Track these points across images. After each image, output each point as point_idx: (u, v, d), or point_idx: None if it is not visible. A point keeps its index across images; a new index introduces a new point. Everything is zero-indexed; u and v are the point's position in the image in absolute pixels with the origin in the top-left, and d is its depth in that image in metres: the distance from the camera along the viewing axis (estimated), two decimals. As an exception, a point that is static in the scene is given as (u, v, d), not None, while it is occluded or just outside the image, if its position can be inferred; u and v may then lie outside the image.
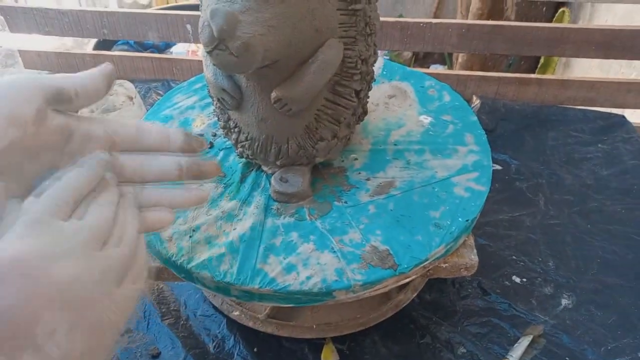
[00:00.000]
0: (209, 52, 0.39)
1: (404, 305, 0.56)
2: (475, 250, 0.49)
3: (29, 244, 0.25)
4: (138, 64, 0.93)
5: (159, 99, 0.67)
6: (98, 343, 0.27)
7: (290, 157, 0.49)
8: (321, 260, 0.44)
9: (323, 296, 0.43)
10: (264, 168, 0.52)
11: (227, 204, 0.50)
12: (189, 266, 0.44)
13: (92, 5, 1.62)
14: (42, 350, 0.24)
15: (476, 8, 1.44)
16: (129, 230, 0.31)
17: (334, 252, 0.45)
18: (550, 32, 0.82)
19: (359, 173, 0.53)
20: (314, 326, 0.53)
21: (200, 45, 1.43)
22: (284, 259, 0.45)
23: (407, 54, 1.90)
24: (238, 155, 0.53)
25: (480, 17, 1.47)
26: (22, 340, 0.24)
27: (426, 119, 0.59)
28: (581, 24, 1.35)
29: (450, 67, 1.80)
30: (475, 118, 0.59)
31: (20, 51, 0.82)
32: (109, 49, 1.42)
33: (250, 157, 0.51)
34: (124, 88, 0.78)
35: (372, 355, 0.54)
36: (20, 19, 0.90)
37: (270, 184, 0.51)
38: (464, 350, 0.54)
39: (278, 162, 0.50)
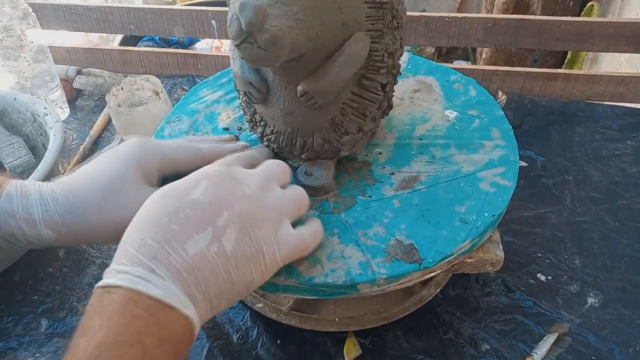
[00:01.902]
0: (237, 46, 0.39)
1: (428, 300, 0.56)
2: (500, 246, 0.48)
3: (226, 169, 0.39)
4: (163, 59, 0.95)
5: (185, 93, 0.68)
6: (254, 267, 0.37)
7: (315, 150, 0.50)
8: (345, 254, 0.44)
9: (347, 289, 0.43)
10: (289, 162, 0.52)
11: None
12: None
13: (118, 2, 1.65)
14: (218, 235, 0.34)
15: (501, 2, 1.42)
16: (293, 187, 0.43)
17: (358, 245, 0.45)
18: (578, 26, 0.80)
19: (384, 167, 0.53)
20: (337, 319, 0.54)
21: (225, 41, 1.45)
22: None
23: (430, 50, 1.88)
24: None
25: (505, 12, 1.45)
26: (207, 222, 0.35)
27: (452, 114, 0.59)
28: (610, 17, 1.32)
29: (474, 62, 1.78)
30: (502, 113, 0.59)
31: (50, 47, 0.83)
32: (134, 45, 1.45)
33: (275, 150, 0.52)
34: (150, 83, 0.80)
35: (394, 350, 0.54)
36: (50, 16, 0.92)
37: (295, 177, 0.51)
38: (488, 347, 0.53)
39: (303, 156, 0.50)
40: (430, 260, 0.44)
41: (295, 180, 0.51)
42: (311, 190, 0.50)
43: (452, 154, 0.54)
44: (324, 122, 0.48)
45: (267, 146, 0.52)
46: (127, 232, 0.34)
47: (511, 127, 0.57)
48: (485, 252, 0.48)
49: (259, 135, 0.52)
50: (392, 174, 0.52)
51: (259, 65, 0.45)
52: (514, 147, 0.54)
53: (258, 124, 0.51)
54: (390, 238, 0.45)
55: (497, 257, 0.48)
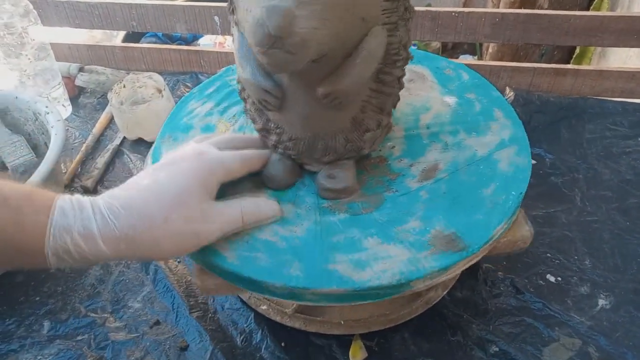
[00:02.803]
0: (263, 52, 0.38)
1: (435, 302, 0.55)
2: (529, 222, 0.49)
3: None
4: (166, 56, 0.94)
5: (187, 92, 0.67)
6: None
7: (337, 152, 0.48)
8: (390, 253, 0.44)
9: (400, 288, 0.42)
10: (308, 167, 0.51)
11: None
12: (256, 277, 0.43)
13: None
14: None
15: (508, -4, 1.40)
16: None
17: (401, 242, 0.44)
18: (588, 21, 0.79)
19: (400, 160, 0.52)
20: (342, 322, 0.53)
21: (228, 38, 1.43)
22: (352, 256, 0.44)
23: (436, 44, 1.86)
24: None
25: (512, 6, 1.43)
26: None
27: (451, 99, 0.58)
28: (621, 11, 1.30)
29: (480, 57, 1.76)
30: (499, 93, 0.59)
31: (52, 44, 0.83)
32: (137, 41, 1.44)
33: (293, 156, 0.50)
34: (152, 80, 0.79)
35: (401, 353, 0.53)
36: (52, 12, 0.91)
37: (315, 182, 0.50)
38: (497, 349, 0.52)
39: (325, 159, 0.49)
40: (475, 246, 0.43)
41: (318, 185, 0.50)
42: (336, 193, 0.49)
43: (462, 138, 0.54)
44: (345, 122, 0.47)
45: (283, 153, 0.50)
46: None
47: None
48: (516, 231, 0.48)
49: (273, 143, 0.50)
50: (411, 165, 0.51)
51: (284, 71, 0.43)
52: (519, 124, 0.55)
53: (272, 131, 0.49)
54: (429, 230, 0.45)
55: (528, 233, 0.48)
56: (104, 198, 0.40)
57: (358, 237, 0.45)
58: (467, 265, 0.45)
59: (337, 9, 0.38)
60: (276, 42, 0.37)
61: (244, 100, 0.51)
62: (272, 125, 0.49)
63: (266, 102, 0.46)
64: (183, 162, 0.43)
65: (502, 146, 0.52)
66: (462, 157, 0.51)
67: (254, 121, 0.51)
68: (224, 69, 0.66)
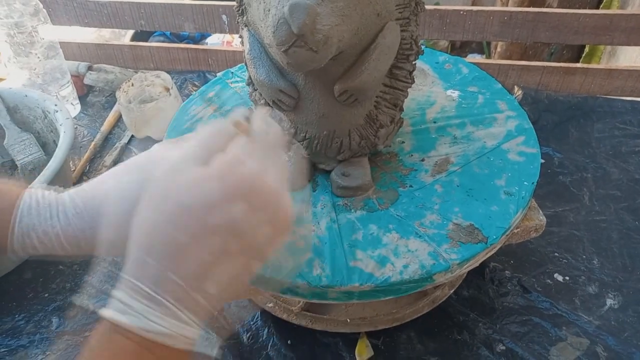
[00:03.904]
0: (285, 51, 0.38)
1: (441, 301, 0.54)
2: (541, 211, 0.50)
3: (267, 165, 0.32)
4: (174, 55, 0.94)
5: (195, 90, 0.67)
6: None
7: (352, 149, 0.49)
8: (411, 247, 0.44)
9: (423, 282, 0.43)
10: (322, 166, 0.51)
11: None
12: (279, 277, 0.43)
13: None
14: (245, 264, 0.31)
15: (517, -5, 1.39)
16: None
17: (420, 236, 0.45)
18: (598, 19, 0.78)
19: (411, 155, 0.53)
20: (348, 320, 0.53)
21: (236, 36, 1.43)
22: (373, 252, 0.44)
23: (444, 43, 1.85)
24: None
25: (521, 4, 1.42)
26: (227, 249, 0.30)
27: (454, 93, 0.59)
28: (631, 9, 1.29)
29: (489, 56, 1.75)
30: (500, 85, 0.60)
31: (61, 43, 0.83)
32: (145, 40, 1.44)
33: (306, 155, 0.50)
34: (160, 79, 0.79)
35: (407, 351, 0.53)
36: (62, 11, 0.92)
37: (329, 181, 0.50)
38: (503, 348, 0.52)
39: (339, 157, 0.49)
40: (494, 237, 0.44)
41: (332, 184, 0.50)
42: (351, 191, 0.49)
43: (470, 131, 0.54)
44: (359, 119, 0.47)
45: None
46: (137, 249, 0.30)
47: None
48: (529, 220, 0.49)
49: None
50: (422, 160, 0.52)
51: (306, 69, 0.42)
52: (524, 115, 0.55)
53: (286, 132, 0.49)
54: (447, 223, 0.45)
55: (541, 222, 0.49)
56: (70, 194, 0.38)
57: (377, 233, 0.45)
58: (486, 257, 0.45)
59: (358, 5, 0.39)
60: (298, 40, 0.37)
61: (254, 102, 0.51)
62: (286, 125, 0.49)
63: (281, 102, 0.46)
64: (140, 161, 0.38)
65: (510, 137, 0.53)
66: (471, 150, 0.52)
67: None
68: (222, 72, 0.67)
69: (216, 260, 0.29)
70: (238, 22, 0.46)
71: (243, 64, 0.50)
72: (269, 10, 0.39)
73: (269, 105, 0.48)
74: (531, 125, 0.54)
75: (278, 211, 0.31)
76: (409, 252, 0.43)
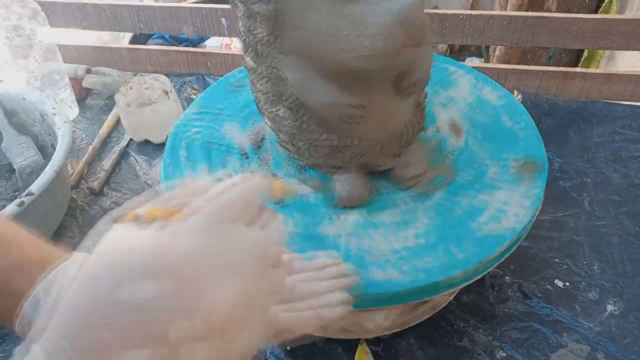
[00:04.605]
0: (397, 54, 0.38)
1: (441, 307, 0.54)
2: None
3: (202, 244, 0.25)
4: (173, 58, 0.94)
5: (196, 94, 0.66)
6: None
7: (408, 139, 0.49)
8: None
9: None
10: (379, 168, 0.50)
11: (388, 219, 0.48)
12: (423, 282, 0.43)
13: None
14: (172, 355, 0.24)
15: (516, -1, 1.39)
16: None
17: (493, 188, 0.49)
18: (597, 24, 0.78)
19: (426, 129, 0.54)
20: (348, 327, 0.52)
21: (235, 39, 1.43)
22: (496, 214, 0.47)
23: (443, 46, 1.86)
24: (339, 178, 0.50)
25: (519, 8, 1.42)
26: (156, 336, 0.24)
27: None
28: (630, 14, 1.29)
29: (487, 59, 1.75)
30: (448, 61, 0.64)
31: (59, 46, 0.83)
32: (144, 43, 1.44)
33: (365, 165, 0.49)
34: (159, 82, 0.79)
35: (407, 358, 0.52)
36: (60, 14, 0.92)
37: (391, 178, 0.50)
38: (504, 355, 0.52)
39: (399, 151, 0.49)
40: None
41: (398, 179, 0.50)
42: (417, 179, 0.50)
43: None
44: (411, 107, 0.48)
45: (347, 168, 0.49)
46: (65, 327, 0.24)
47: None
48: None
49: (339, 164, 0.48)
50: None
51: (402, 68, 0.42)
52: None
53: (340, 151, 0.47)
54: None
55: None
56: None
57: (478, 202, 0.48)
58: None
59: None
60: (409, 40, 0.38)
61: (287, 146, 0.49)
62: (342, 143, 0.47)
63: (350, 119, 0.44)
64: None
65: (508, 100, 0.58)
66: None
67: (304, 159, 0.49)
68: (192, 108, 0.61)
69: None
70: (263, 54, 0.43)
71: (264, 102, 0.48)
72: (364, 21, 0.38)
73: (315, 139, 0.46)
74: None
75: (199, 307, 0.24)
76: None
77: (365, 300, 0.42)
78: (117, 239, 0.25)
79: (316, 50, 0.41)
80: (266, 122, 0.51)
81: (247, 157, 0.54)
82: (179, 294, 0.24)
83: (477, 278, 0.45)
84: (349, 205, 0.49)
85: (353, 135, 0.47)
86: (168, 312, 0.24)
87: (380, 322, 0.44)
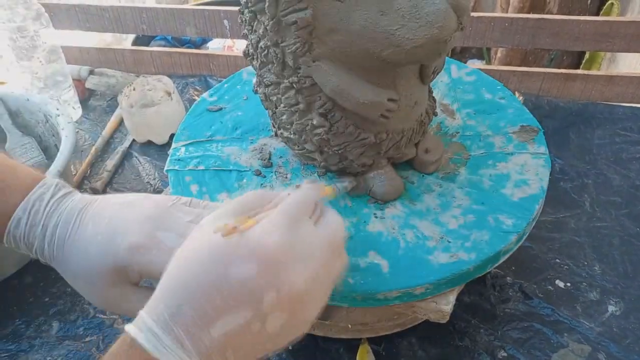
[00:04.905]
0: (447, 41, 0.39)
1: (442, 307, 0.54)
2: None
3: (286, 236, 0.33)
4: (175, 59, 0.94)
5: (198, 95, 0.66)
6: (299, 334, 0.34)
7: (426, 125, 0.51)
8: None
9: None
10: (406, 158, 0.52)
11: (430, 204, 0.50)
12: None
13: (131, 1, 1.65)
14: (261, 317, 0.31)
15: (517, 1, 1.40)
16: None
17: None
18: (599, 26, 0.78)
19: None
20: (350, 326, 0.53)
21: (237, 41, 1.44)
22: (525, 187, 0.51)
23: (444, 49, 1.85)
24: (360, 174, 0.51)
25: (521, 10, 1.42)
26: (252, 303, 0.31)
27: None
28: (631, 16, 1.29)
29: (489, 61, 1.75)
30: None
31: (62, 47, 0.83)
32: (147, 44, 1.44)
33: (393, 158, 0.51)
34: (162, 83, 0.79)
35: (408, 358, 0.53)
36: (63, 16, 0.92)
37: (414, 165, 0.52)
38: (505, 355, 0.52)
39: (420, 138, 0.51)
40: None
41: (421, 165, 0.52)
42: (437, 163, 0.52)
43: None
44: (427, 93, 0.50)
45: (379, 161, 0.49)
46: (169, 280, 0.32)
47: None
48: None
49: (370, 162, 0.49)
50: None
51: (443, 55, 0.44)
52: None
53: (372, 149, 0.48)
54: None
55: None
56: (82, 214, 0.39)
57: (500, 170, 0.52)
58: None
59: None
60: (460, 22, 0.39)
61: (312, 155, 0.49)
62: (377, 139, 0.47)
63: (388, 112, 0.45)
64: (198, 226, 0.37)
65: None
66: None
67: (332, 165, 0.50)
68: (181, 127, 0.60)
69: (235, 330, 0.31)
70: (292, 65, 0.43)
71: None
72: (416, 12, 0.39)
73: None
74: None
75: (285, 284, 0.32)
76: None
77: (440, 284, 0.44)
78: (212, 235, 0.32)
79: (357, 50, 0.41)
80: (281, 137, 0.51)
81: (264, 176, 0.53)
82: (272, 274, 0.31)
83: (522, 241, 0.48)
84: (389, 199, 0.50)
85: (386, 129, 0.48)
86: (264, 286, 0.31)
87: (453, 302, 0.46)
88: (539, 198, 0.49)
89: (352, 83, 0.43)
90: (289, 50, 0.42)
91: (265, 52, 0.44)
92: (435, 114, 0.53)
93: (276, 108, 0.48)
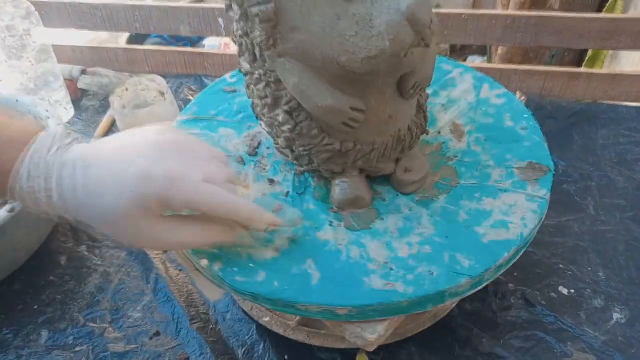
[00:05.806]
0: (404, 56, 0.37)
1: (443, 315, 0.53)
2: None
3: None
4: (170, 58, 0.92)
5: (194, 96, 0.65)
6: None
7: (410, 143, 0.48)
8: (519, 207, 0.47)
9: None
10: (381, 173, 0.49)
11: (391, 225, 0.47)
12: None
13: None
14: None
15: (518, -3, 1.38)
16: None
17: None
18: (603, 24, 0.77)
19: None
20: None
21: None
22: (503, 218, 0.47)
23: (444, 46, 1.84)
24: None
25: (522, 8, 1.40)
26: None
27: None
28: (632, 13, 1.27)
29: (490, 59, 1.73)
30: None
31: (54, 46, 0.81)
32: (141, 42, 1.43)
33: (366, 170, 0.48)
34: (155, 83, 0.77)
35: (408, 368, 0.51)
36: (54, 14, 0.90)
37: (392, 183, 0.50)
38: (507, 365, 0.51)
39: (401, 156, 0.48)
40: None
41: (398, 184, 0.49)
42: (419, 183, 0.49)
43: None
44: (413, 109, 0.47)
45: (350, 175, 0.48)
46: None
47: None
48: None
49: (340, 170, 0.47)
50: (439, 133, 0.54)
51: (407, 69, 0.41)
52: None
53: (341, 156, 0.46)
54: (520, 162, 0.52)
55: None
56: (84, 158, 0.39)
57: (484, 206, 0.47)
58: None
59: None
60: (417, 40, 0.36)
61: (285, 152, 0.48)
62: (343, 148, 0.45)
63: (352, 121, 0.43)
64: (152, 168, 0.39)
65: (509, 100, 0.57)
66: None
67: (314, 154, 0.47)
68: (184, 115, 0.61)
69: None
70: (260, 58, 0.42)
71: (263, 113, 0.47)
72: (370, 21, 0.37)
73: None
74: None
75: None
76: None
77: (366, 310, 0.41)
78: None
79: (319, 52, 0.39)
80: (263, 128, 0.50)
81: (244, 163, 0.53)
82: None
83: (484, 286, 0.44)
84: (345, 208, 0.48)
85: (355, 139, 0.45)
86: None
87: (382, 333, 0.42)
88: (512, 246, 0.43)
89: (313, 85, 0.41)
90: (256, 42, 0.41)
91: (240, 40, 0.43)
92: (425, 133, 0.50)
93: (252, 97, 0.48)
